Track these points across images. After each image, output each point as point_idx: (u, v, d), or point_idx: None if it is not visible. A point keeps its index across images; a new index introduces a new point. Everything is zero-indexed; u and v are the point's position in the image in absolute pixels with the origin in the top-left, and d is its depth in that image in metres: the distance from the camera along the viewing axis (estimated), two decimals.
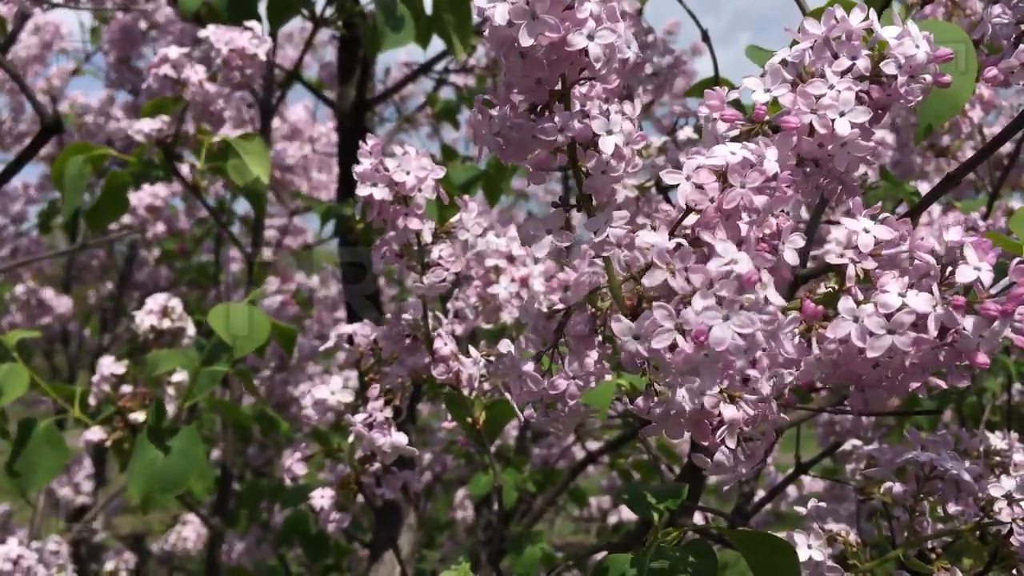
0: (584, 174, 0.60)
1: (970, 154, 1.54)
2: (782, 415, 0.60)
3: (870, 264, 0.57)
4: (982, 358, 0.52)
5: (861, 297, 0.55)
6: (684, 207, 0.57)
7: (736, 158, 0.56)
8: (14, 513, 2.88)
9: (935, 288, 0.53)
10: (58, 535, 2.22)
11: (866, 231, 0.58)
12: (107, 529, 3.24)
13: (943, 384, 0.55)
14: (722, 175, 0.56)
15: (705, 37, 1.09)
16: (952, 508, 0.74)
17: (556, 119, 0.58)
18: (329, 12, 1.50)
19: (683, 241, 0.53)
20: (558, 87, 0.59)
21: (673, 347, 0.50)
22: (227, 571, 2.34)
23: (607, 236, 0.57)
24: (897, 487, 0.76)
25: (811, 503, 0.76)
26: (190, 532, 2.78)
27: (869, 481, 0.89)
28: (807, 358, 0.56)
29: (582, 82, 0.60)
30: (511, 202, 3.72)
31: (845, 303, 0.55)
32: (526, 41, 0.55)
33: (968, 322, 0.52)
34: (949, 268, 0.54)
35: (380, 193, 0.74)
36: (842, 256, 0.57)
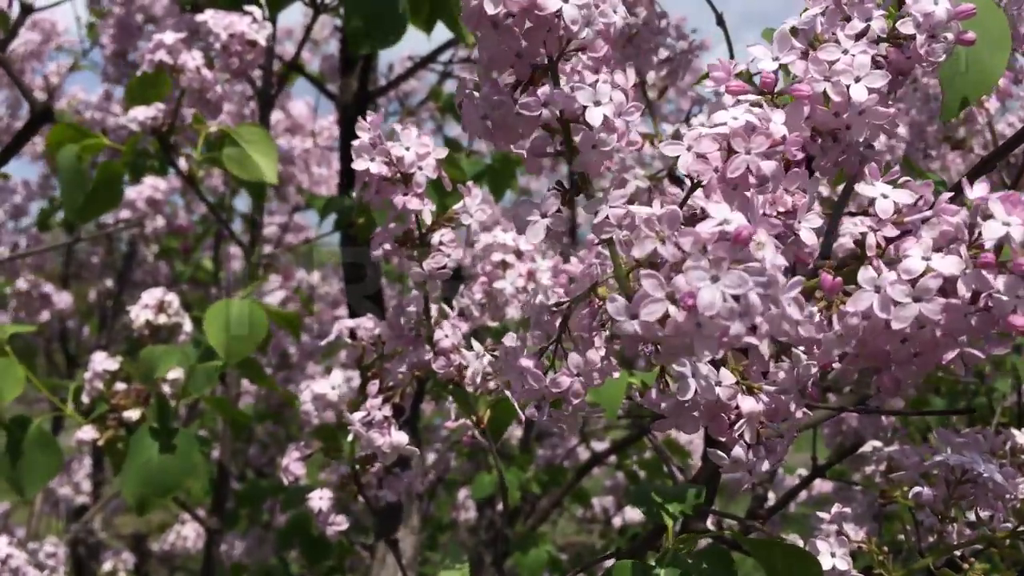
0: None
1: (977, 151, 1.49)
2: (805, 411, 0.56)
3: (891, 232, 0.52)
4: (1020, 320, 0.47)
5: (884, 269, 0.50)
6: (689, 182, 0.53)
7: (739, 122, 0.51)
8: (12, 512, 2.85)
9: (963, 250, 0.48)
10: (56, 535, 2.19)
11: (884, 196, 0.53)
12: (107, 529, 3.21)
13: (980, 354, 0.50)
14: (726, 143, 0.52)
15: (720, 21, 1.06)
16: (984, 513, 0.70)
17: (539, 92, 0.53)
18: None
19: (674, 207, 0.48)
20: (542, 61, 0.54)
21: (665, 320, 0.45)
22: (225, 572, 2.31)
23: (606, 217, 0.52)
24: (926, 491, 0.72)
25: (835, 508, 0.72)
26: (190, 531, 2.75)
27: (890, 484, 0.85)
28: (827, 335, 0.51)
29: (570, 56, 0.55)
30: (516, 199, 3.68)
31: (865, 272, 0.50)
32: (491, 8, 0.50)
33: (1000, 282, 0.48)
34: (977, 231, 0.49)
35: (377, 167, 0.69)
36: (858, 225, 0.53)
